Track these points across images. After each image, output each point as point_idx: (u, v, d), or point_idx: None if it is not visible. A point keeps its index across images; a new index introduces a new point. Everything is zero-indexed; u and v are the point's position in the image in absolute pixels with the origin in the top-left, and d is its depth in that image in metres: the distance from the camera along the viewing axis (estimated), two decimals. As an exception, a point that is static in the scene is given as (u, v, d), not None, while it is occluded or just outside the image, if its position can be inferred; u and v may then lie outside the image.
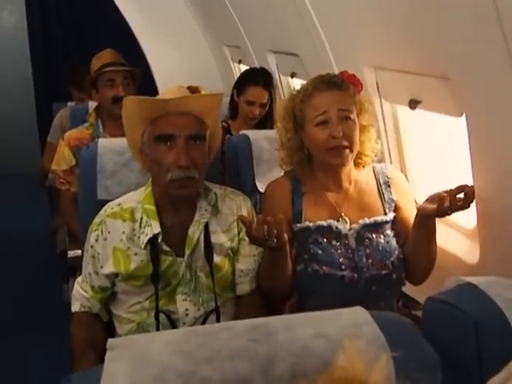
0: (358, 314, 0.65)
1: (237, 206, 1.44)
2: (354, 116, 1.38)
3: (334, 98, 1.37)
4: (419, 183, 1.76)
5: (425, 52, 1.37)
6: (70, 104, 3.25)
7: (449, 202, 1.26)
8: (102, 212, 1.40)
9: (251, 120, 2.36)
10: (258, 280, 1.46)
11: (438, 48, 1.30)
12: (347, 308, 0.69)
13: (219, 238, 1.40)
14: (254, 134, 1.83)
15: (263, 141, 1.79)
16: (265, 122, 2.38)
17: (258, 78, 2.38)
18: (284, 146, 1.47)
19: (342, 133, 1.34)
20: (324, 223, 1.40)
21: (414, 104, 1.49)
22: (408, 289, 1.52)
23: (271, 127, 2.37)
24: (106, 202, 1.45)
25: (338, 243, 1.39)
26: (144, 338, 0.58)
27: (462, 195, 1.27)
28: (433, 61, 1.35)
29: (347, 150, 1.36)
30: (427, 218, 1.35)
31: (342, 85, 1.38)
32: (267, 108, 2.36)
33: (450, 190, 1.28)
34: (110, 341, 0.56)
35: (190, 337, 0.57)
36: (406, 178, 1.66)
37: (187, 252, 1.36)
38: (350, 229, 1.41)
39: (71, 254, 1.95)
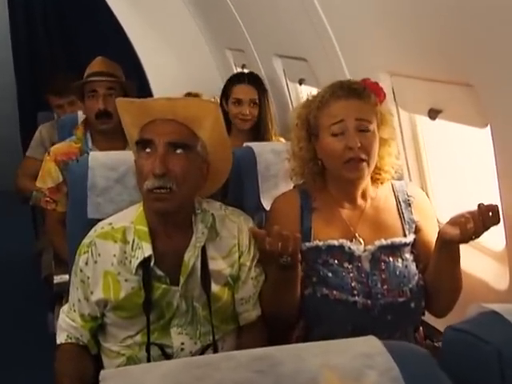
0: (369, 344, 0.68)
1: (238, 228, 1.46)
2: (373, 127, 1.40)
3: (353, 106, 1.40)
4: (441, 201, 1.78)
5: (446, 57, 1.40)
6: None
7: (473, 226, 1.27)
8: (91, 232, 1.43)
9: (243, 123, 2.38)
10: (261, 304, 1.48)
11: (461, 53, 1.32)
12: (358, 337, 0.71)
13: (218, 265, 1.42)
14: (258, 147, 1.86)
15: (269, 154, 1.82)
16: (258, 131, 2.39)
17: (243, 75, 2.46)
18: (295, 156, 1.49)
19: (359, 144, 1.36)
20: (335, 243, 1.42)
21: (434, 114, 1.52)
22: (429, 317, 1.53)
23: (263, 137, 2.38)
24: (97, 221, 1.47)
25: (351, 266, 1.41)
26: (139, 369, 0.60)
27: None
28: (455, 67, 1.38)
29: (364, 163, 1.38)
30: (449, 243, 1.36)
31: (362, 93, 1.41)
32: (259, 112, 2.38)
33: (473, 211, 1.29)
34: (103, 372, 0.58)
35: (189, 368, 0.60)
36: (427, 194, 1.68)
37: (182, 280, 1.37)
38: (365, 250, 1.42)
39: (57, 279, 1.97)
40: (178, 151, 1.34)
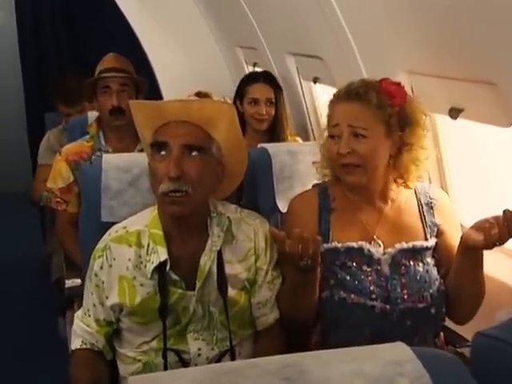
0: (399, 350, 0.68)
1: (254, 230, 1.46)
2: (371, 133, 1.39)
3: (349, 111, 1.41)
4: (464, 203, 1.77)
5: (468, 55, 1.40)
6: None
7: (498, 232, 1.27)
8: (105, 236, 1.44)
9: (260, 124, 2.40)
10: (279, 307, 1.48)
11: (483, 50, 1.33)
12: (386, 344, 0.71)
13: (234, 269, 1.42)
14: (273, 148, 1.86)
15: (284, 155, 1.82)
16: (274, 131, 2.41)
17: (258, 74, 2.49)
18: (320, 150, 1.52)
19: (348, 150, 1.38)
20: (354, 245, 1.42)
21: (455, 113, 1.52)
22: (450, 322, 1.53)
23: (279, 138, 2.40)
24: (111, 224, 1.48)
25: (370, 269, 1.42)
26: (166, 375, 0.61)
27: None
28: (477, 65, 1.38)
29: (359, 169, 1.39)
30: (472, 249, 1.35)
31: (362, 97, 1.39)
32: (275, 111, 2.40)
33: (498, 216, 1.28)
34: (131, 379, 0.59)
35: (216, 375, 0.61)
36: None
37: (198, 284, 1.38)
38: (384, 253, 1.43)
39: (69, 283, 1.97)
40: (193, 153, 1.35)
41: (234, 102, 2.47)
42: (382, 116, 1.40)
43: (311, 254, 1.28)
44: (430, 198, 1.50)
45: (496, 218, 1.28)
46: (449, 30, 1.42)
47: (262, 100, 2.39)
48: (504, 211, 1.27)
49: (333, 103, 1.45)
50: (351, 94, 1.41)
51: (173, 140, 1.34)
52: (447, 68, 1.52)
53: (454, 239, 1.46)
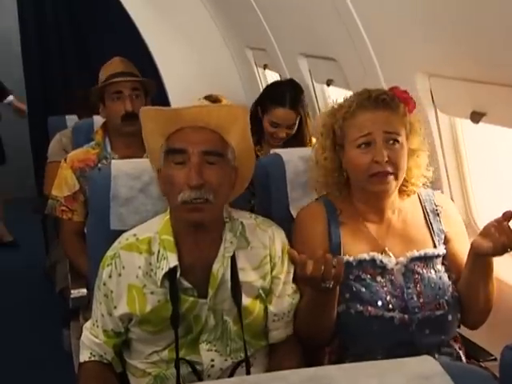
0: (426, 364, 0.69)
1: (269, 237, 1.47)
2: (402, 139, 1.43)
3: (381, 118, 1.42)
4: (485, 213, 1.77)
5: (490, 56, 1.40)
6: (67, 117, 3.34)
7: (505, 237, 1.29)
8: (115, 244, 1.45)
9: (277, 142, 2.47)
10: (295, 325, 1.49)
11: (507, 52, 1.33)
12: (413, 357, 0.72)
13: (249, 276, 1.43)
14: (287, 154, 1.85)
15: (298, 161, 1.81)
16: (292, 142, 2.45)
17: (285, 96, 2.44)
18: (319, 166, 1.52)
19: (386, 158, 1.39)
20: (366, 256, 1.45)
21: (477, 117, 1.52)
22: (475, 336, 1.53)
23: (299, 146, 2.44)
24: (120, 232, 1.49)
25: (384, 279, 1.43)
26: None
27: None
28: (500, 67, 1.39)
29: (391, 177, 1.41)
30: (482, 256, 1.38)
31: (391, 103, 1.43)
32: (295, 127, 2.46)
33: (500, 219, 1.30)
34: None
35: (240, 389, 0.61)
36: (469, 205, 1.69)
37: (211, 292, 1.39)
38: (397, 263, 1.45)
39: (75, 293, 1.98)
40: (212, 160, 1.36)
41: (255, 108, 2.50)
42: (404, 123, 1.44)
43: (334, 276, 1.29)
44: (436, 205, 1.54)
45: (498, 221, 1.31)
46: (470, 31, 1.42)
47: (283, 125, 2.44)
48: (504, 214, 1.30)
49: (351, 114, 1.45)
50: (379, 102, 1.43)
51: (192, 147, 1.35)
52: (469, 70, 1.53)
53: (461, 246, 1.50)
